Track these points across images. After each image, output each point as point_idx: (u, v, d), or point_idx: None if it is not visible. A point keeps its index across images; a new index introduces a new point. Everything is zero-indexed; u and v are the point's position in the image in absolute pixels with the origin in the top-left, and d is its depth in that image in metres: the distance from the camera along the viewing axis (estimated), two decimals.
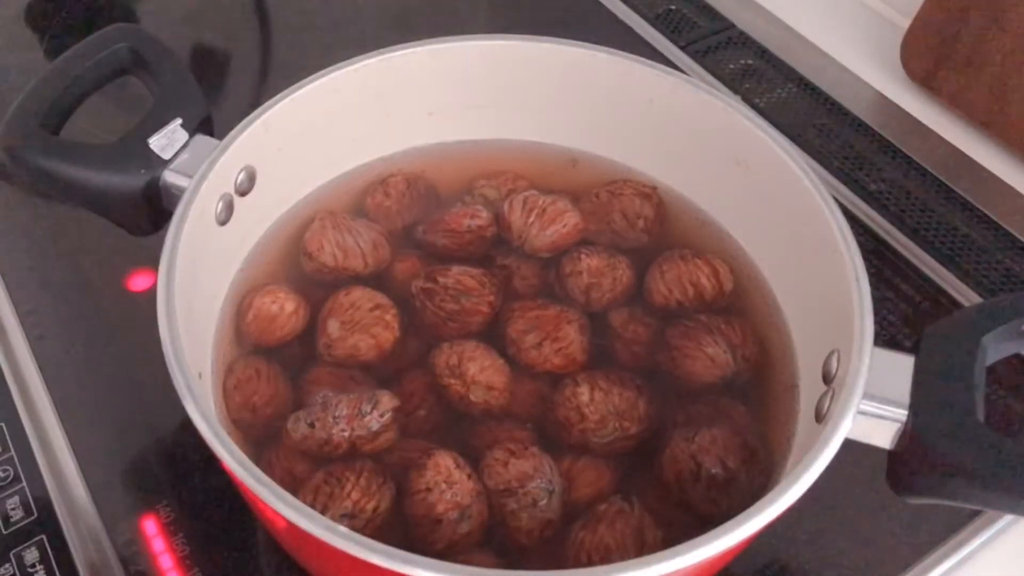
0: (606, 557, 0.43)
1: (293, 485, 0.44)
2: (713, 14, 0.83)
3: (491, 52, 0.56)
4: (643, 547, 0.43)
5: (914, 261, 0.65)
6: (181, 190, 0.48)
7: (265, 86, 0.79)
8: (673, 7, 0.84)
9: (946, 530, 0.51)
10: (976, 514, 0.52)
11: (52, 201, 0.66)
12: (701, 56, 0.79)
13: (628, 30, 0.81)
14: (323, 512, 0.42)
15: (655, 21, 0.82)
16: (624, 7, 0.83)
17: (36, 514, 0.51)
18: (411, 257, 0.55)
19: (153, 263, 0.44)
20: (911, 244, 0.66)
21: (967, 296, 0.63)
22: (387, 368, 0.50)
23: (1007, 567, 0.51)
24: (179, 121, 0.50)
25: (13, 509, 0.51)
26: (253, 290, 0.52)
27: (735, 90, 0.76)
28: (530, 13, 0.80)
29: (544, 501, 0.44)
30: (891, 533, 0.51)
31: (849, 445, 0.40)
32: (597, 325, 0.52)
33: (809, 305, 0.50)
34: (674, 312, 0.52)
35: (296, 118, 0.53)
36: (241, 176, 0.51)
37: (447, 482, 0.43)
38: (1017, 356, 0.45)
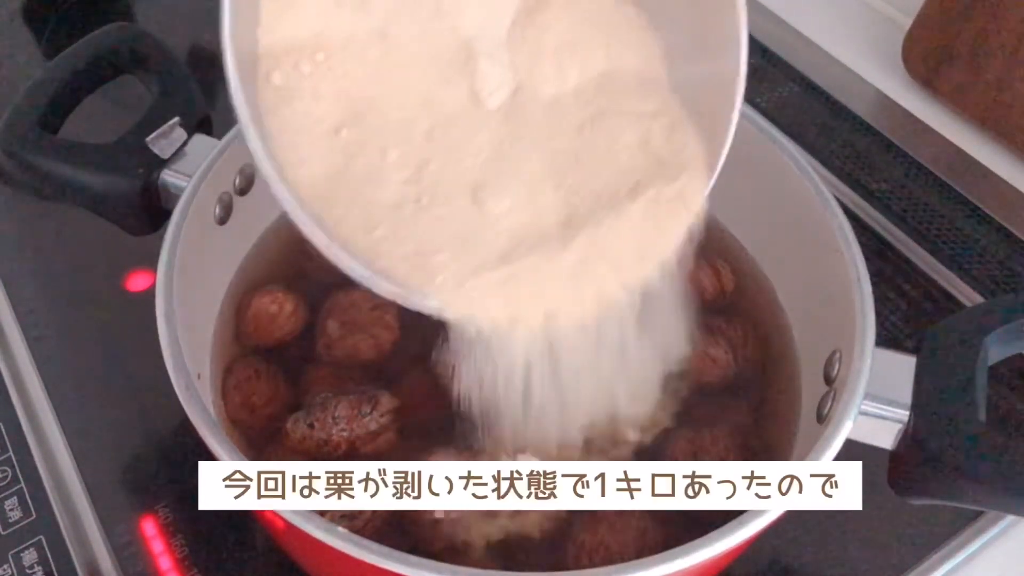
0: (607, 558, 0.42)
1: None
2: None
3: None
4: (644, 548, 0.43)
5: (916, 261, 0.64)
6: (180, 190, 0.48)
7: None
8: None
9: (947, 531, 0.51)
10: (978, 515, 0.51)
11: (50, 201, 0.66)
12: None
13: None
14: (322, 513, 0.42)
15: None
16: None
17: (34, 515, 0.50)
18: None
19: (152, 263, 0.44)
20: (913, 244, 0.65)
21: (969, 296, 0.63)
22: (387, 368, 0.50)
23: (1008, 568, 0.51)
24: (177, 120, 0.50)
25: (11, 510, 0.51)
26: (252, 290, 0.52)
27: None
28: None
29: None
30: (892, 534, 0.51)
31: (850, 446, 0.40)
32: None
33: (811, 305, 0.50)
34: None
35: None
36: (240, 175, 0.51)
37: None
38: (1019, 356, 0.45)
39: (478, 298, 0.37)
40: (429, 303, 0.37)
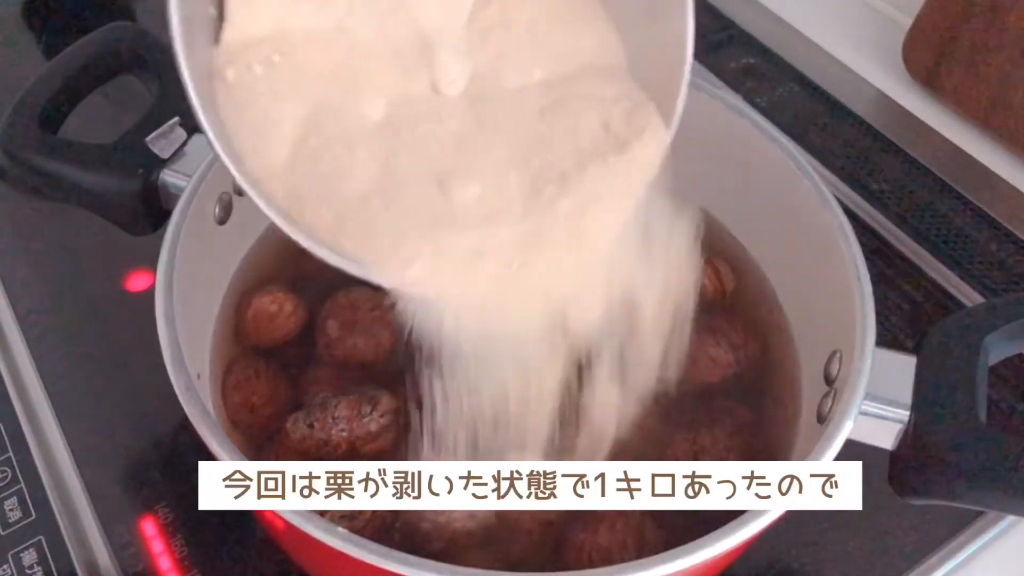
0: (607, 558, 0.42)
1: None
2: (715, 13, 0.83)
3: None
4: (644, 548, 0.43)
5: (916, 261, 0.64)
6: (180, 190, 0.48)
7: None
8: None
9: (948, 531, 0.51)
10: (978, 515, 0.51)
11: (50, 201, 0.66)
12: (703, 55, 0.78)
13: None
14: (322, 513, 0.42)
15: None
16: None
17: (34, 515, 0.50)
18: None
19: (151, 263, 0.44)
20: (913, 244, 0.65)
21: (969, 296, 0.63)
22: (387, 368, 0.50)
23: (1008, 569, 0.51)
24: (177, 120, 0.50)
25: (11, 510, 0.51)
26: (252, 290, 0.52)
27: (737, 89, 0.76)
28: None
29: None
30: (893, 534, 0.51)
31: (850, 446, 0.40)
32: None
33: (811, 305, 0.50)
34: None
35: None
36: None
37: None
38: (1020, 356, 0.45)
39: (447, 277, 0.37)
40: (403, 280, 0.37)
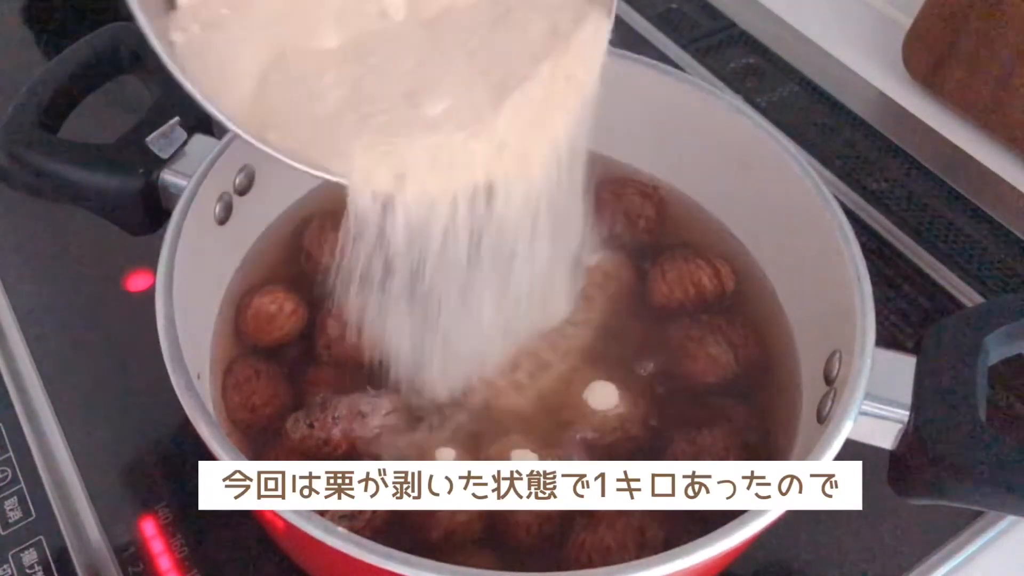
0: (607, 558, 0.42)
1: None
2: (714, 13, 0.83)
3: None
4: (644, 548, 0.43)
5: (916, 261, 0.64)
6: (180, 189, 0.48)
7: None
8: (674, 6, 0.83)
9: (947, 531, 0.51)
10: (978, 515, 0.51)
11: (51, 201, 0.66)
12: (702, 55, 0.78)
13: (629, 29, 0.81)
14: (322, 513, 0.42)
15: (656, 20, 0.82)
16: (625, 6, 0.83)
17: (34, 515, 0.50)
18: None
19: (152, 263, 0.44)
20: (913, 244, 0.65)
21: (969, 296, 0.63)
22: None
23: (1008, 569, 0.51)
24: (177, 120, 0.50)
25: (11, 510, 0.51)
26: (252, 290, 0.52)
27: (737, 89, 0.76)
28: None
29: None
30: (892, 534, 0.51)
31: (850, 445, 0.40)
32: None
33: (811, 305, 0.50)
34: (675, 312, 0.52)
35: None
36: (240, 175, 0.51)
37: None
38: (1019, 356, 0.45)
39: (436, 179, 0.38)
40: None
